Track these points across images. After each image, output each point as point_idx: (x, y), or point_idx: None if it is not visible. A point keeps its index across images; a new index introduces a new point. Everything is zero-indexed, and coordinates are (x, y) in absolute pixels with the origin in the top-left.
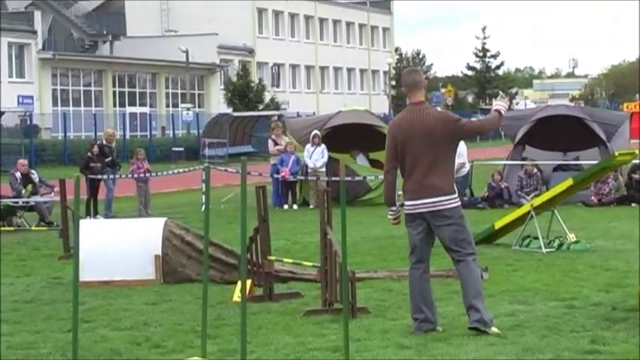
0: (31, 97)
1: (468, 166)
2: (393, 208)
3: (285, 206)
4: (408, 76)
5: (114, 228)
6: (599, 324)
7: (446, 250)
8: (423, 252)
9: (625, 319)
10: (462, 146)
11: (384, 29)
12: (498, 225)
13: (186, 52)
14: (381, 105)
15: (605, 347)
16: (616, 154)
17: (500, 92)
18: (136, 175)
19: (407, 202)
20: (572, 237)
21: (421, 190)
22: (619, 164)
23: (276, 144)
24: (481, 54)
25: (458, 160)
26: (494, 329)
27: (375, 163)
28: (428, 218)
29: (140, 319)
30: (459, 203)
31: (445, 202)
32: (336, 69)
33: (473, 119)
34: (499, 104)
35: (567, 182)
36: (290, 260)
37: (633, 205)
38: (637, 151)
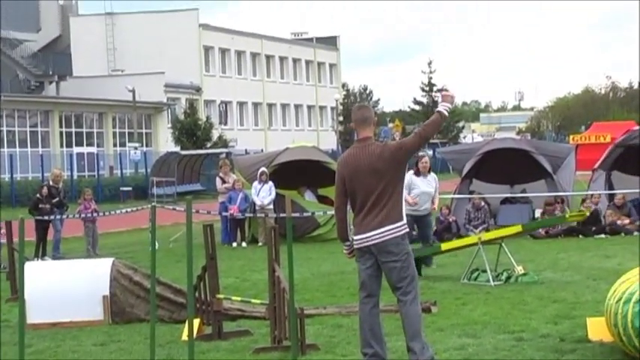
0: None
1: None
2: (347, 243)
3: (234, 244)
4: (357, 111)
5: (61, 269)
6: (548, 356)
7: (390, 288)
8: (373, 287)
9: (573, 351)
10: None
11: (331, 65)
12: (445, 247)
13: (133, 90)
14: (329, 141)
15: None
16: (567, 215)
17: (444, 86)
18: (83, 215)
19: (355, 237)
20: (520, 269)
21: (369, 223)
22: (571, 221)
23: (224, 182)
24: (427, 88)
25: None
26: None
27: (323, 199)
28: (375, 253)
29: None
30: (406, 231)
31: (392, 231)
32: (284, 105)
33: (411, 135)
34: (443, 105)
35: (516, 228)
36: (239, 298)
37: (580, 236)
38: (587, 213)
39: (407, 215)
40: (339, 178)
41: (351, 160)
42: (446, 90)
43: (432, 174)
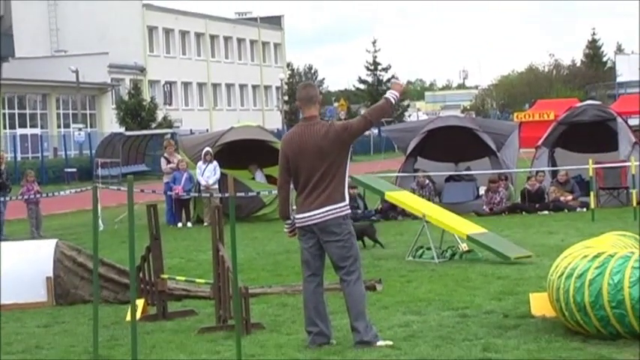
0: None
1: None
2: (288, 222)
3: (179, 224)
4: (302, 90)
5: (4, 251)
6: (492, 332)
7: (333, 267)
8: (316, 265)
9: (516, 326)
10: None
11: (276, 45)
12: (389, 197)
13: (77, 72)
14: (274, 120)
15: (497, 355)
16: (512, 257)
17: (394, 75)
18: (26, 197)
19: (297, 216)
20: (464, 247)
21: (311, 203)
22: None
23: (168, 162)
24: (372, 67)
25: None
26: (380, 343)
27: (268, 179)
28: (317, 233)
29: (32, 342)
30: (348, 212)
31: (334, 211)
32: (229, 85)
33: (358, 117)
34: (391, 93)
35: (461, 231)
36: (183, 278)
37: (524, 213)
38: (532, 254)
39: None
40: (283, 156)
41: (296, 139)
42: (396, 79)
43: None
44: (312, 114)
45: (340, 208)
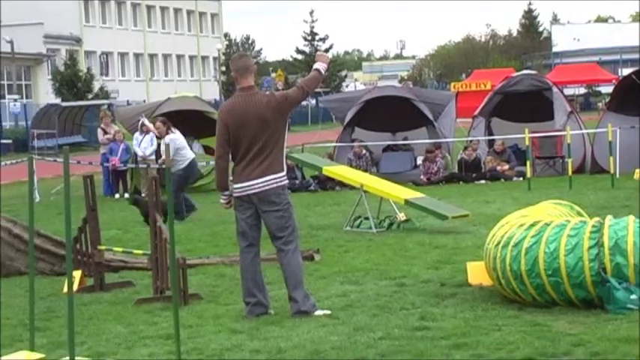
0: None
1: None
2: (226, 193)
3: (117, 195)
4: (238, 60)
5: None
6: (429, 301)
7: (270, 238)
8: (253, 236)
9: (453, 295)
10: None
11: (213, 15)
12: (326, 170)
13: (11, 42)
14: (211, 91)
15: (434, 323)
16: (449, 216)
17: (319, 50)
18: None
19: (236, 185)
20: (402, 216)
21: (251, 172)
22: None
23: (105, 133)
24: (310, 38)
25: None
26: (318, 312)
27: (206, 150)
28: (256, 202)
29: None
30: (286, 182)
31: (273, 181)
32: (165, 56)
33: (294, 88)
34: (319, 64)
35: (398, 196)
36: (121, 249)
37: (461, 183)
38: (469, 214)
39: None
40: (223, 126)
41: (237, 109)
42: (321, 52)
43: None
44: (249, 84)
45: (280, 177)
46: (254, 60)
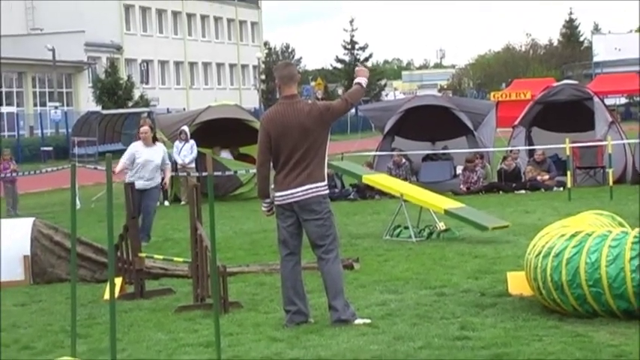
0: None
1: None
2: (267, 200)
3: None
4: (283, 69)
5: None
6: (469, 310)
7: (310, 246)
8: (294, 244)
9: (493, 305)
10: None
11: (253, 23)
12: (366, 180)
13: (53, 50)
14: (251, 99)
15: (474, 333)
16: (489, 227)
17: (358, 64)
18: (2, 176)
19: (277, 194)
20: (441, 225)
21: (292, 181)
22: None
23: None
24: (349, 46)
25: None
26: (358, 321)
27: (245, 158)
28: (297, 211)
29: (9, 321)
30: (327, 191)
31: (314, 190)
32: (206, 64)
33: (338, 100)
34: (361, 79)
35: (438, 206)
36: (161, 257)
37: (501, 192)
38: (510, 224)
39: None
40: (265, 134)
41: (279, 117)
42: (360, 66)
43: (159, 144)
44: (292, 92)
45: (320, 187)
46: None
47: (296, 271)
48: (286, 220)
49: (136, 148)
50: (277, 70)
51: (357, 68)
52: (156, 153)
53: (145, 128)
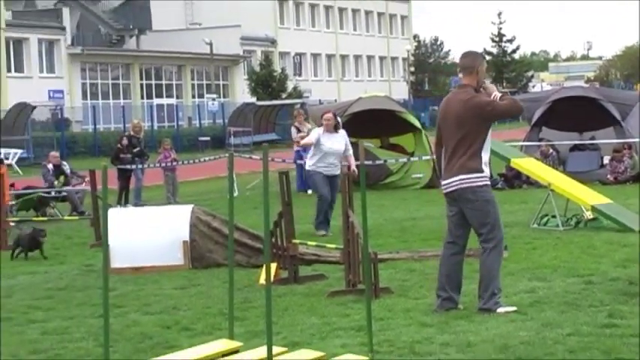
0: (62, 92)
1: None
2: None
3: (309, 191)
4: (462, 58)
5: (143, 216)
6: (617, 298)
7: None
8: (457, 234)
9: None
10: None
11: (402, 17)
12: (514, 164)
13: (210, 44)
14: (400, 91)
15: (622, 321)
16: (636, 229)
17: (483, 84)
18: (163, 165)
19: (442, 182)
20: (588, 214)
21: (450, 170)
22: None
23: (299, 131)
24: (497, 39)
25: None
26: (500, 309)
27: (395, 148)
28: (457, 199)
29: (169, 303)
30: (484, 183)
31: (466, 181)
32: (356, 57)
33: (503, 101)
34: (494, 94)
35: (584, 201)
36: (314, 243)
37: None
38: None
39: (317, 173)
40: (437, 121)
41: (444, 106)
42: (485, 84)
43: (342, 131)
44: (465, 82)
45: (474, 178)
46: (444, 60)
47: (454, 260)
48: (451, 209)
49: (319, 135)
50: (459, 59)
51: (483, 86)
52: (337, 141)
53: (329, 115)
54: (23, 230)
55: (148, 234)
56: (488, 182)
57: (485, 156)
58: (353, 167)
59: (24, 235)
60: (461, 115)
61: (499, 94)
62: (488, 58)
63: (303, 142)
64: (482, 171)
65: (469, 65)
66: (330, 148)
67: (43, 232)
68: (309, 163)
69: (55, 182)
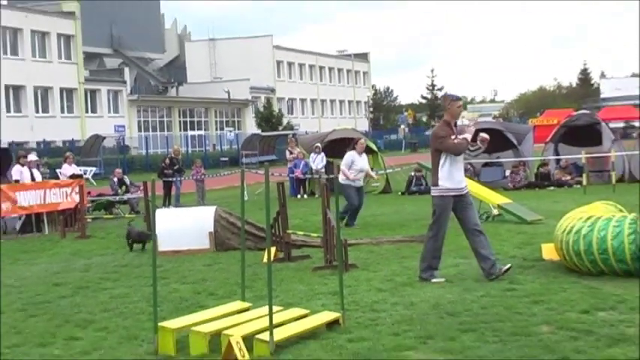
0: (123, 126)
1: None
2: None
3: (299, 196)
4: (442, 100)
5: (181, 214)
6: (515, 270)
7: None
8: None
9: (532, 267)
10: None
11: (364, 72)
12: None
13: (228, 92)
14: (363, 125)
15: (519, 286)
16: (529, 220)
17: (467, 121)
18: (195, 178)
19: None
20: (495, 211)
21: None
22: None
23: (291, 153)
24: (431, 87)
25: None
26: (434, 280)
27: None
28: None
29: (200, 276)
30: (439, 194)
31: (433, 190)
32: (332, 101)
33: (454, 140)
34: (466, 135)
35: (492, 200)
36: (302, 233)
37: (537, 189)
38: (542, 217)
39: (350, 187)
40: None
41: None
42: (468, 125)
43: (364, 154)
44: (444, 117)
45: (435, 188)
46: (394, 103)
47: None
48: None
49: (353, 157)
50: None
51: (465, 127)
52: (364, 161)
53: (363, 141)
54: (133, 228)
55: (184, 227)
56: (443, 193)
57: (443, 172)
58: (372, 176)
59: (133, 232)
60: (430, 140)
61: (462, 137)
62: (424, 101)
63: (352, 176)
64: (437, 184)
65: (443, 105)
66: (362, 167)
67: (148, 233)
68: (343, 178)
69: (119, 191)
